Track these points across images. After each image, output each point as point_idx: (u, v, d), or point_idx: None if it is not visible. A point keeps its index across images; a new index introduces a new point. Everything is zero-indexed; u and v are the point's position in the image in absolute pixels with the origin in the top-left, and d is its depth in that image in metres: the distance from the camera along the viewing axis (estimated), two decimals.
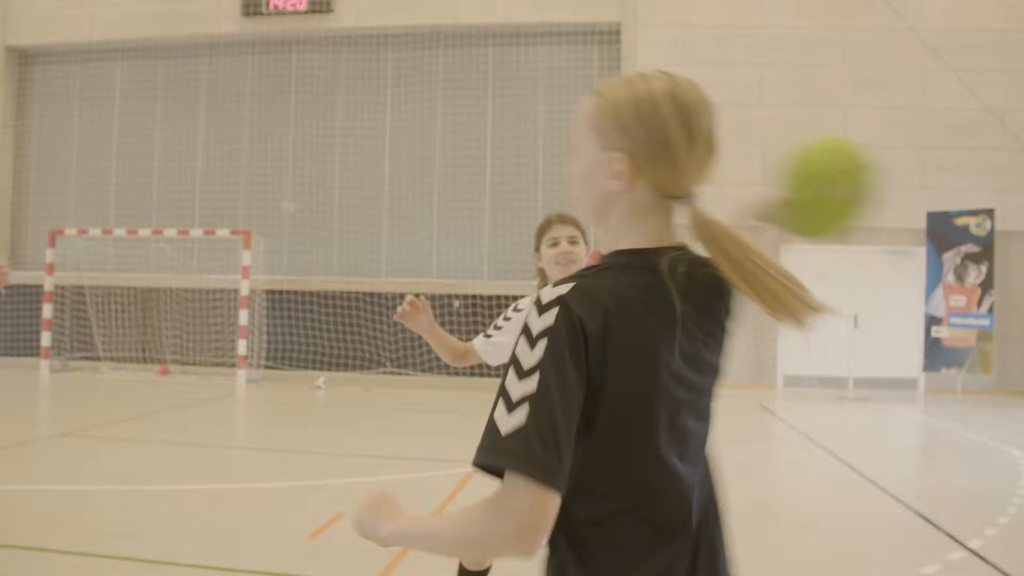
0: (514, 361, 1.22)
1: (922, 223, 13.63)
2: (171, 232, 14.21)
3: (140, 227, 14.69)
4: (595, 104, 1.35)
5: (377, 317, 14.69)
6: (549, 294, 1.24)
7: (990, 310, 12.97)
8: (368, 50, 15.46)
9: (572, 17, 14.71)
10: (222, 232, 14.13)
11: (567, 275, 1.42)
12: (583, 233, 3.32)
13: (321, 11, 15.11)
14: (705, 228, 1.29)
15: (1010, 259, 13.67)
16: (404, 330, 14.60)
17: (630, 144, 1.29)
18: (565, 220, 3.33)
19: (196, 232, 14.28)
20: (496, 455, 1.16)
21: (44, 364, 14.02)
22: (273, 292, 14.80)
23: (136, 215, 15.53)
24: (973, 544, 5.10)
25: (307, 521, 5.21)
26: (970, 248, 13.23)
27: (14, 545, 4.53)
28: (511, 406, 1.17)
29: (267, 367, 14.44)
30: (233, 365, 13.66)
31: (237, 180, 15.66)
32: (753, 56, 14.29)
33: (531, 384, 1.18)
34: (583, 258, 3.25)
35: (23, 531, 4.80)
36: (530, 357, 1.20)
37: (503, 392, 1.20)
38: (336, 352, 14.68)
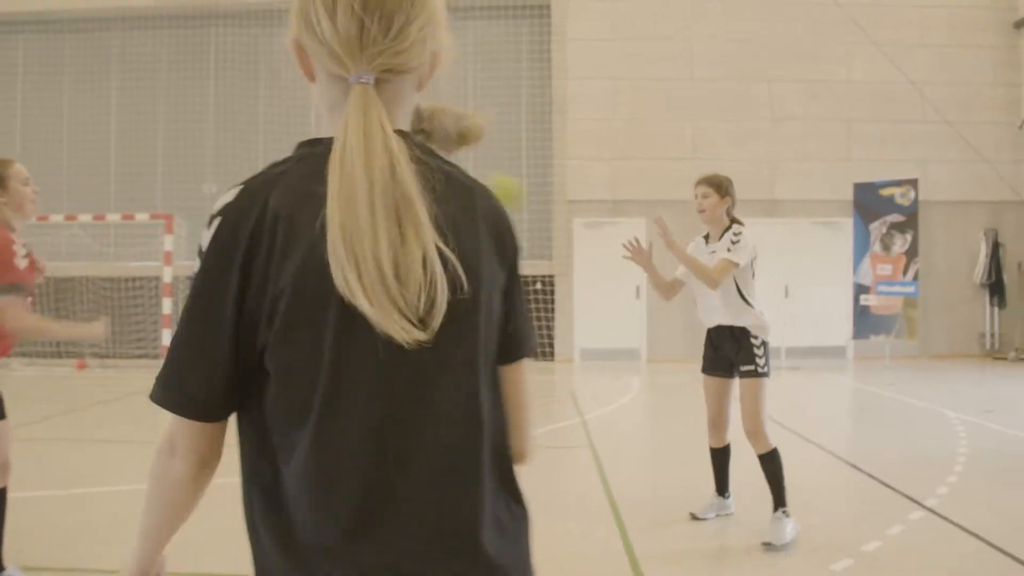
0: None
1: (849, 194, 13.92)
2: (86, 217, 13.46)
3: (51, 212, 13.86)
4: None
5: None
6: None
7: (915, 277, 13.33)
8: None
9: None
10: (141, 216, 13.46)
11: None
12: (716, 187, 4.43)
13: None
14: (354, 109, 1.09)
15: (932, 228, 14.08)
16: None
17: (295, 29, 1.17)
18: (701, 180, 4.44)
19: (113, 217, 13.56)
20: None
21: None
22: None
23: (45, 199, 14.61)
24: (930, 503, 5.21)
25: None
26: (895, 218, 13.55)
27: None
28: None
29: None
30: (157, 357, 13.09)
31: (155, 161, 14.95)
32: (684, 30, 14.29)
33: None
34: (710, 210, 4.44)
35: None
36: None
37: None
38: None
